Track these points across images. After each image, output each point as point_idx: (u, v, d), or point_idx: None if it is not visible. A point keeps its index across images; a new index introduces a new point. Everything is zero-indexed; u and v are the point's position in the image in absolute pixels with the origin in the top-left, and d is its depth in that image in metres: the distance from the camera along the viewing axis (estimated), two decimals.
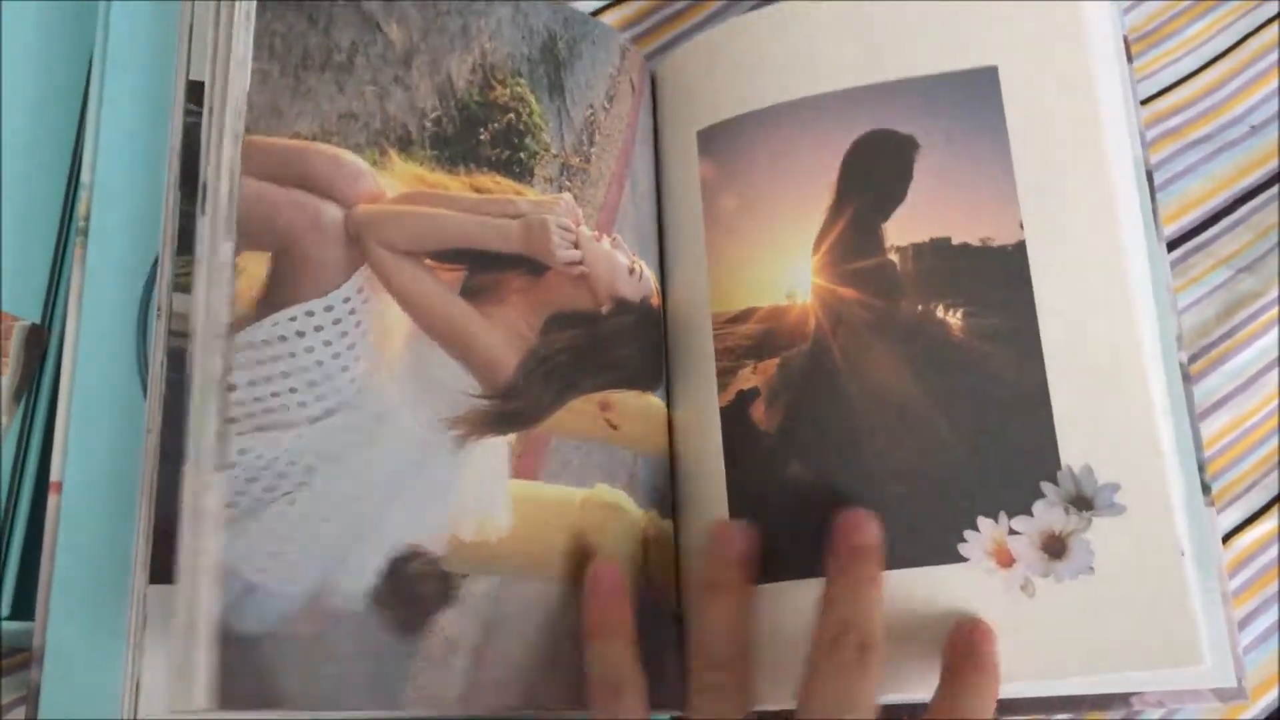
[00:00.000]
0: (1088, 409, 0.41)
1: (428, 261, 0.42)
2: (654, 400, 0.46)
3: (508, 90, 0.45)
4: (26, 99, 0.46)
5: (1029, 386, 0.41)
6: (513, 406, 0.42)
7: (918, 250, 0.43)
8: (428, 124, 0.43)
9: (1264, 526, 0.49)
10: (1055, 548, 0.40)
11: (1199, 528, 0.42)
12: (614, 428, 0.44)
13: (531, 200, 0.44)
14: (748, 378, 0.44)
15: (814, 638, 0.39)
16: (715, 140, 0.47)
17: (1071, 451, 0.41)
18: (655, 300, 0.47)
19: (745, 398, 0.44)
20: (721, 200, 0.46)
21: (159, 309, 0.40)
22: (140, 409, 0.40)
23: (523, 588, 0.41)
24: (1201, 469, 0.42)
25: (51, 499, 0.40)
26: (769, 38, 0.46)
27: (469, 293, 0.42)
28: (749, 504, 0.43)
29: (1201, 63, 0.56)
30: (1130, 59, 0.46)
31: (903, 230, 0.44)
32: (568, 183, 0.45)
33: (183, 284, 0.39)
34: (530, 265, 0.44)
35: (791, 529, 0.42)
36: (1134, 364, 0.41)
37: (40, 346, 0.44)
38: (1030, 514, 0.41)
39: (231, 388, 0.37)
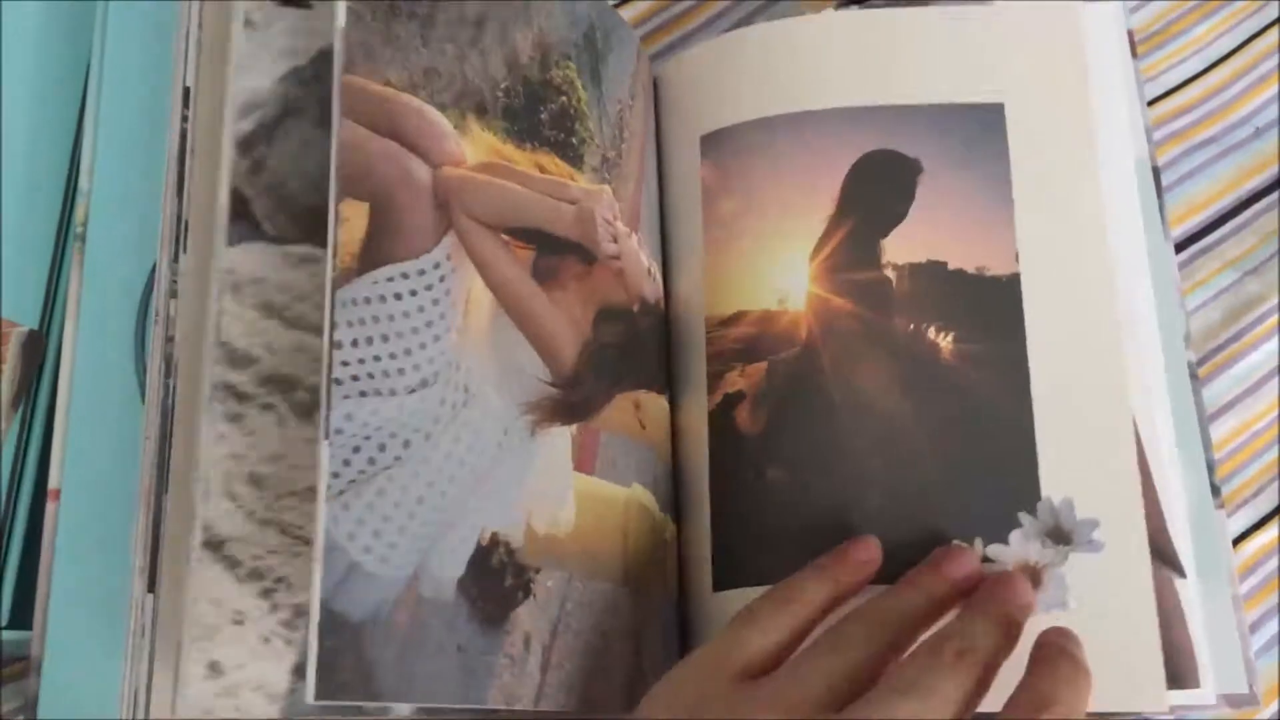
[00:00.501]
0: (1072, 444, 0.41)
1: (504, 237, 0.41)
2: (665, 403, 0.45)
3: (560, 72, 0.44)
4: (24, 105, 0.46)
5: (1014, 416, 0.42)
6: (575, 396, 0.41)
7: (914, 270, 0.43)
8: (499, 94, 0.42)
9: (1271, 532, 0.49)
10: (1030, 580, 0.40)
11: (1208, 531, 0.42)
12: (643, 428, 0.44)
13: (582, 188, 0.43)
14: (734, 381, 0.44)
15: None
16: (718, 145, 0.46)
17: (1053, 484, 0.41)
18: (660, 303, 0.46)
19: (731, 401, 0.44)
20: (720, 204, 0.46)
21: (156, 315, 0.40)
22: (138, 415, 0.40)
23: (584, 586, 0.40)
24: (1211, 470, 0.42)
25: (49, 506, 0.40)
26: (781, 50, 0.46)
27: (537, 275, 0.41)
28: (730, 508, 0.43)
29: (1206, 64, 0.56)
30: (1135, 55, 0.45)
31: (900, 249, 0.44)
32: (607, 175, 0.45)
33: (179, 290, 0.39)
34: (583, 253, 0.43)
35: (769, 534, 0.42)
36: (1121, 405, 0.42)
37: (38, 353, 0.43)
38: (1006, 543, 0.41)
39: (337, 345, 0.35)
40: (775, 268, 0.44)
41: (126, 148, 0.43)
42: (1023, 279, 0.43)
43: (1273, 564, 0.48)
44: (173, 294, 0.39)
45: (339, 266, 0.36)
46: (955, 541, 0.41)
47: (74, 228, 0.43)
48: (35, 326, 0.44)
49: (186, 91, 0.41)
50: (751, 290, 0.44)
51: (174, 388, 0.38)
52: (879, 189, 0.44)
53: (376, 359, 0.36)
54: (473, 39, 0.41)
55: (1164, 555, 0.41)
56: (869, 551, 0.40)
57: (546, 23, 0.44)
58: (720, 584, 0.43)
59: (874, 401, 0.42)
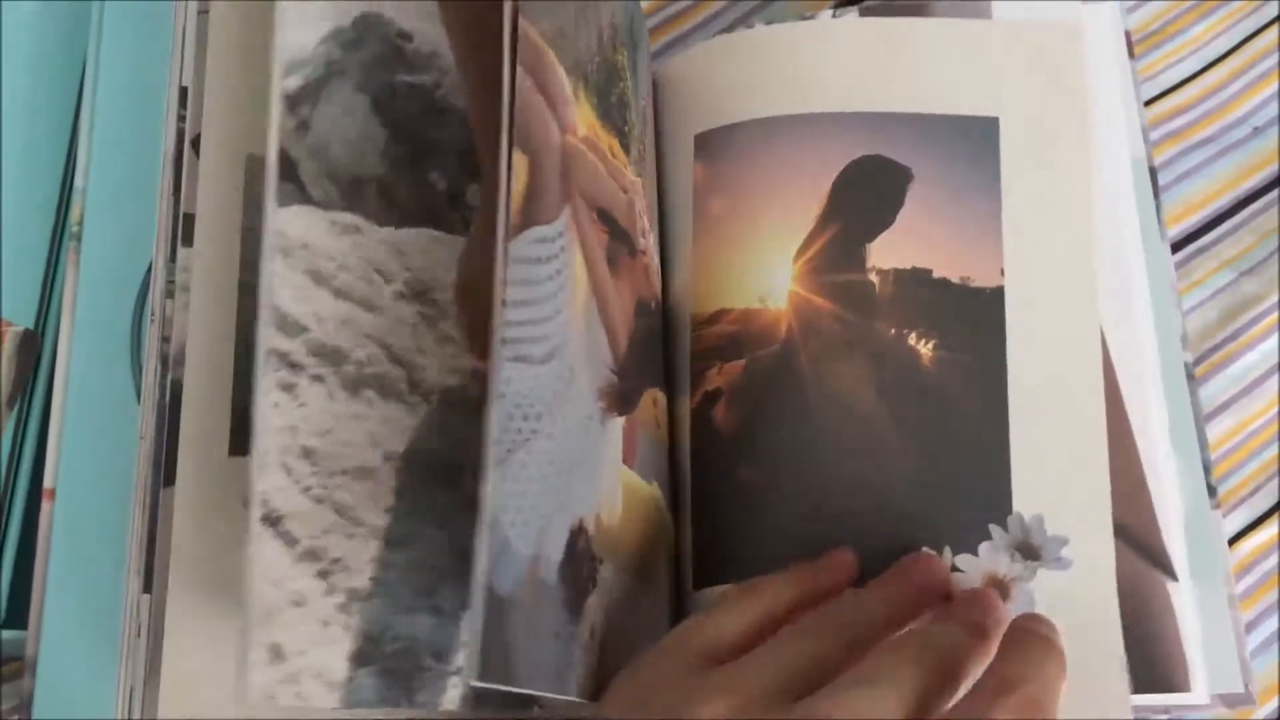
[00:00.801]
0: (1047, 460, 0.41)
1: (594, 216, 0.39)
2: (665, 402, 0.45)
3: (619, 57, 0.43)
4: (20, 104, 0.46)
5: (989, 428, 0.41)
6: (625, 387, 0.41)
7: (899, 276, 0.43)
8: (593, 68, 0.41)
9: (1268, 531, 0.49)
10: (997, 592, 0.40)
11: (1204, 531, 0.42)
12: (658, 425, 0.44)
13: (631, 178, 0.43)
14: (713, 379, 0.44)
15: None
16: (711, 144, 0.46)
17: (1025, 499, 0.41)
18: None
19: (710, 398, 0.44)
20: (710, 203, 0.46)
21: (152, 315, 0.40)
22: (134, 415, 0.40)
23: (626, 580, 0.39)
24: (1207, 471, 0.42)
25: (45, 506, 0.40)
26: (778, 53, 0.46)
27: (607, 259, 0.40)
28: (708, 507, 0.43)
29: (1204, 64, 0.55)
30: (1133, 55, 0.45)
31: (886, 254, 0.43)
32: (641, 169, 0.44)
33: (174, 289, 0.39)
34: (631, 245, 0.42)
35: (743, 534, 0.42)
36: (1097, 424, 0.41)
37: (34, 352, 0.43)
38: (975, 553, 0.41)
39: (505, 304, 0.33)
40: (759, 267, 0.44)
41: (122, 147, 0.43)
42: (1007, 293, 0.43)
43: (1269, 563, 0.48)
44: (169, 293, 0.39)
45: (512, 217, 0.33)
46: (925, 549, 0.41)
47: (69, 227, 0.43)
48: (31, 326, 0.44)
49: (184, 91, 0.41)
50: (735, 288, 0.44)
51: (171, 386, 0.38)
52: (867, 195, 0.44)
53: (524, 324, 0.34)
54: (581, 7, 0.40)
55: (1155, 558, 0.41)
56: (846, 559, 0.40)
57: (611, 5, 0.43)
58: (700, 582, 0.43)
59: (850, 404, 0.42)
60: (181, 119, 0.40)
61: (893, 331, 0.43)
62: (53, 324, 0.44)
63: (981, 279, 0.43)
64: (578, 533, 0.36)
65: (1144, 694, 0.40)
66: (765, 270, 0.44)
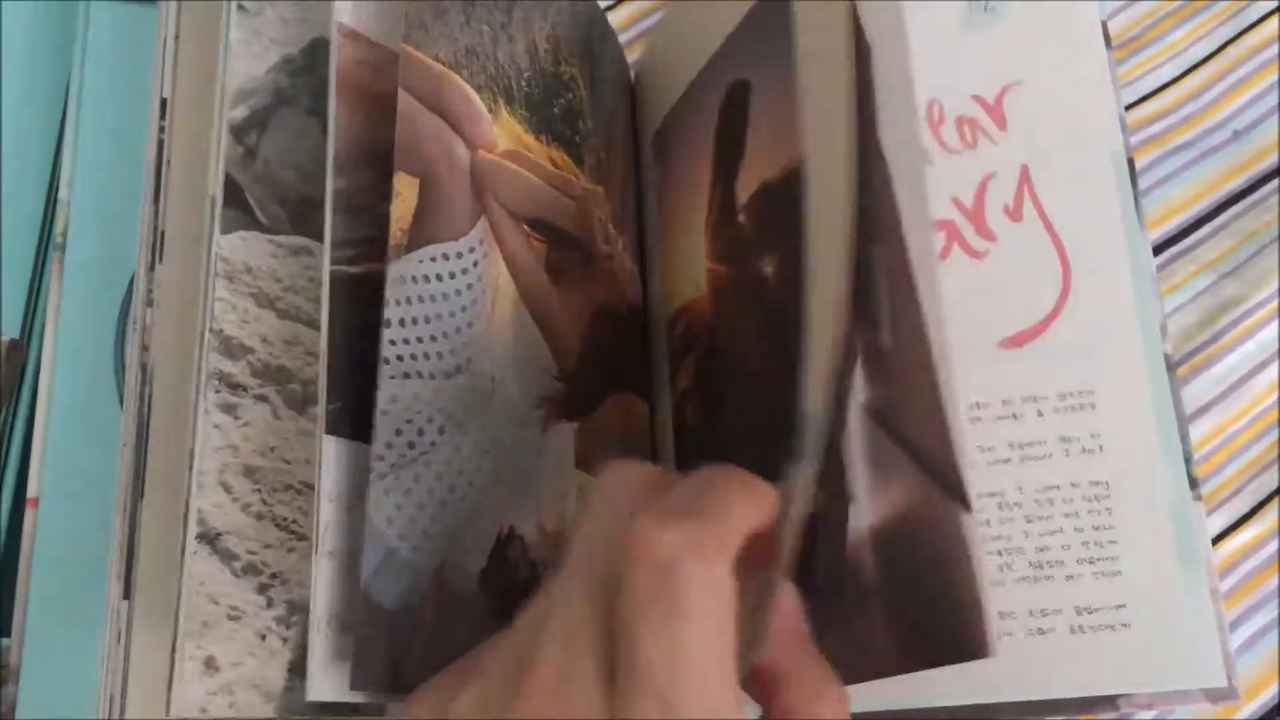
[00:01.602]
0: (815, 335, 0.31)
1: (524, 227, 0.40)
2: (645, 408, 0.45)
3: (567, 69, 0.44)
4: (7, 115, 0.46)
5: (803, 321, 0.32)
6: (578, 392, 0.41)
7: (753, 204, 0.39)
8: (523, 83, 0.41)
9: (1251, 530, 0.49)
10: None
11: (1187, 523, 0.41)
12: (629, 430, 0.44)
13: (584, 186, 0.43)
14: (681, 380, 0.43)
15: None
16: (661, 141, 0.46)
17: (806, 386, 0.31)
18: (641, 308, 0.47)
19: (683, 401, 0.43)
20: (664, 201, 0.45)
21: (134, 323, 0.40)
22: (117, 424, 0.40)
23: None
24: (1188, 462, 0.42)
25: (28, 514, 0.40)
26: (677, 25, 0.45)
27: (548, 268, 0.41)
28: None
29: (1184, 68, 0.56)
30: (1109, 44, 0.45)
31: (746, 186, 0.40)
32: (600, 176, 0.44)
33: (155, 299, 0.39)
34: (584, 252, 0.42)
35: None
36: (843, 280, 0.30)
37: (20, 361, 0.44)
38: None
39: (387, 324, 0.34)
40: (691, 254, 0.43)
41: (106, 158, 0.44)
42: (808, 166, 0.33)
43: (1250, 563, 0.48)
44: (149, 303, 0.39)
45: (393, 239, 0.35)
46: None
47: (54, 237, 0.43)
48: (16, 335, 0.44)
49: (164, 103, 0.41)
50: (684, 284, 0.43)
51: (150, 396, 0.38)
52: (728, 131, 0.41)
53: (419, 340, 0.35)
54: (503, 24, 0.41)
55: (945, 481, 0.31)
56: None
57: (558, 18, 0.44)
58: None
59: (750, 363, 0.39)
60: (162, 130, 0.41)
61: (758, 265, 0.39)
62: (38, 333, 0.44)
63: (794, 159, 0.37)
64: (508, 540, 0.37)
65: (931, 667, 0.30)
66: (695, 256, 0.42)
